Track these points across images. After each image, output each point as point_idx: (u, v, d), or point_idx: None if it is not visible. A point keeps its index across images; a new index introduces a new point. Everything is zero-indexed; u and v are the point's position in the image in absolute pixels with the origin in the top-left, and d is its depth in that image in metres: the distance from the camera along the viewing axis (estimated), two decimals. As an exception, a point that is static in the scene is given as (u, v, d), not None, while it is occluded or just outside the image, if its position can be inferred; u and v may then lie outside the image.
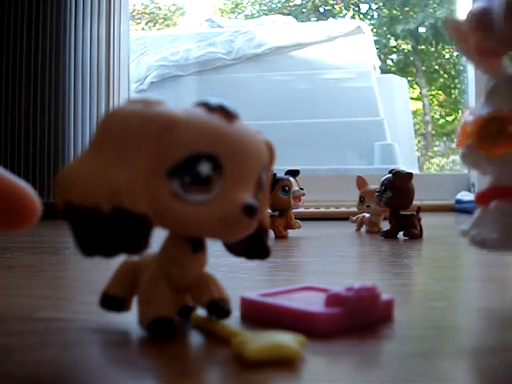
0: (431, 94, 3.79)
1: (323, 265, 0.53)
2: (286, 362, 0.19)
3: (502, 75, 0.28)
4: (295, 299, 0.27)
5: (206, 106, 0.22)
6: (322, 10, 3.53)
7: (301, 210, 0.99)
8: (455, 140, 0.30)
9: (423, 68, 3.77)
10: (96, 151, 0.21)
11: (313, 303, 0.25)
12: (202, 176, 0.21)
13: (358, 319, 0.24)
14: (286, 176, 0.83)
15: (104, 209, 0.20)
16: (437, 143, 3.31)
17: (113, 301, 0.26)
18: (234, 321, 0.26)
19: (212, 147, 0.21)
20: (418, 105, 3.38)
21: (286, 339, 0.20)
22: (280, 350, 0.19)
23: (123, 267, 0.26)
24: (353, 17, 3.44)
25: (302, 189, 0.83)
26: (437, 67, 3.76)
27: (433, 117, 3.43)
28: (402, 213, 0.77)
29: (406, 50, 3.65)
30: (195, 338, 0.23)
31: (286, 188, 0.81)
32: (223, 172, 0.21)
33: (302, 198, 0.83)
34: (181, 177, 0.21)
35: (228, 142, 0.22)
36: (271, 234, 0.83)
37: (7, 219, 0.22)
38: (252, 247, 0.26)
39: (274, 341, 0.19)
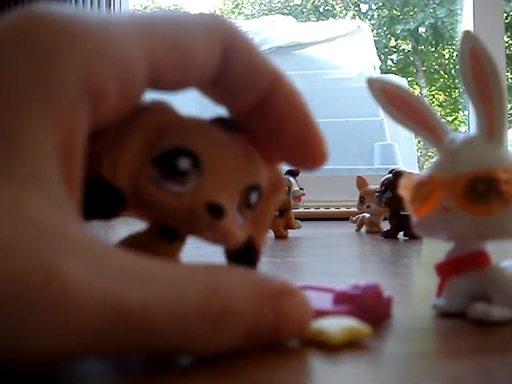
0: (431, 94, 3.80)
1: (323, 265, 0.53)
2: (293, 359, 0.19)
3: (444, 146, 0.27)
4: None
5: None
6: (321, 10, 3.53)
7: (301, 209, 0.99)
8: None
9: (423, 68, 3.78)
10: None
11: (314, 302, 0.25)
12: (179, 169, 0.22)
13: (363, 317, 0.24)
14: (286, 176, 0.84)
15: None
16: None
17: None
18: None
19: (195, 146, 0.22)
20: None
21: (354, 322, 0.22)
22: (356, 331, 0.21)
23: None
24: (353, 17, 3.44)
25: (302, 189, 0.83)
26: (437, 67, 3.76)
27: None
28: (402, 213, 0.77)
29: (406, 50, 3.66)
30: (195, 338, 0.23)
31: (286, 188, 0.81)
32: (202, 171, 0.22)
33: (302, 198, 0.83)
34: (161, 166, 0.22)
35: (212, 146, 0.22)
36: (271, 234, 0.83)
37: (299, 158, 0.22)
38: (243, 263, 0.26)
39: (347, 324, 0.22)
